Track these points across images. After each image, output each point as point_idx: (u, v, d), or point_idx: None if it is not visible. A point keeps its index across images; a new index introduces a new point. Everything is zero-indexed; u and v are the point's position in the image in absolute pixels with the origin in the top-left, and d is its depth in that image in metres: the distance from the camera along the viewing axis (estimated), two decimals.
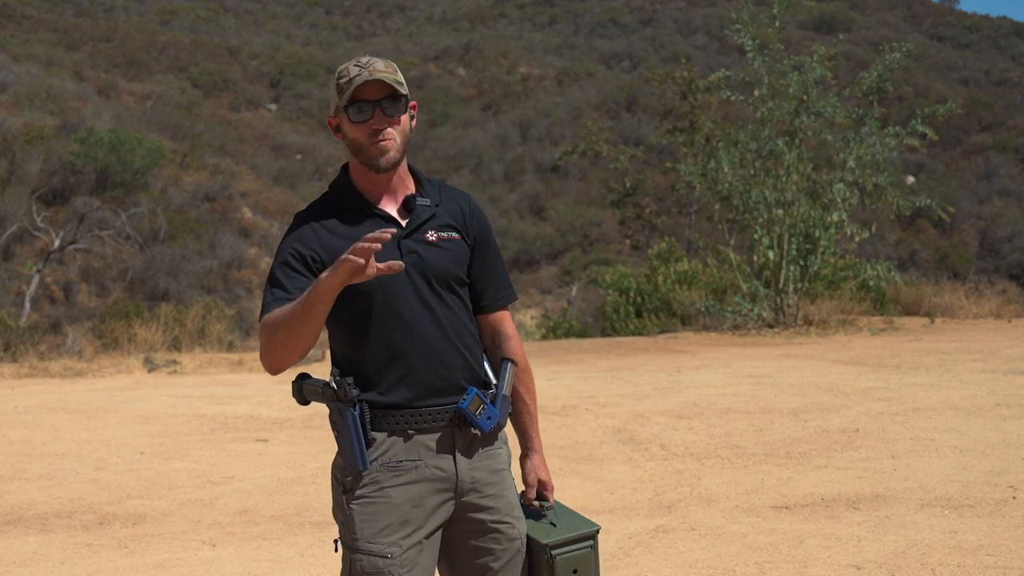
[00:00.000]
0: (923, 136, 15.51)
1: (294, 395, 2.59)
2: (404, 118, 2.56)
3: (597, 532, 2.66)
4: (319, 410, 9.04)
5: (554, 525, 2.66)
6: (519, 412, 2.75)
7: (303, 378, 2.57)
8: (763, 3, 17.23)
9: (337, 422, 2.52)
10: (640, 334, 16.78)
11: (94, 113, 34.27)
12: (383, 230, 2.28)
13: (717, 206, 16.90)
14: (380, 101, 2.52)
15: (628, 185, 27.45)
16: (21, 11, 54.19)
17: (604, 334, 18.02)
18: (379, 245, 2.26)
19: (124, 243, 28.35)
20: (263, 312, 2.48)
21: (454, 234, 2.61)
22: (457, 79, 53.91)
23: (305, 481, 6.61)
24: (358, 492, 2.53)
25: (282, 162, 41.26)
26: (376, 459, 2.52)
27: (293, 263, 2.51)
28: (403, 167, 2.62)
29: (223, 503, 6.22)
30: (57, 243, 26.26)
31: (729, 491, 6.00)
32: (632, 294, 18.29)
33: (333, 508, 2.61)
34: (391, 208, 2.60)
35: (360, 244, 2.25)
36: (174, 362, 13.61)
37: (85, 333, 19.22)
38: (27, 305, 24.59)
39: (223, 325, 17.73)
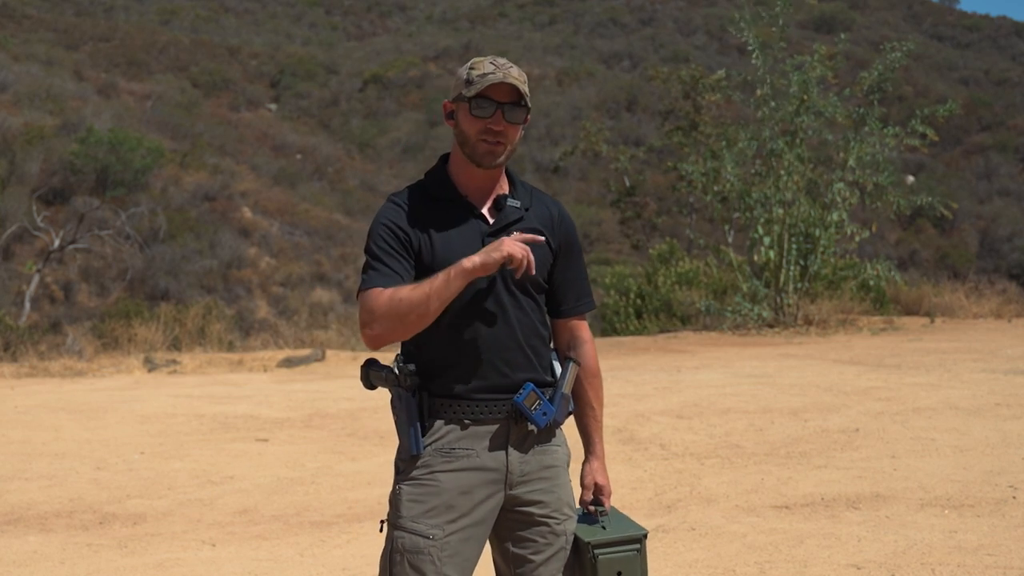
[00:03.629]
0: (923, 136, 15.51)
1: (362, 379, 2.69)
2: (519, 128, 2.64)
3: (645, 536, 2.69)
4: (319, 410, 9.05)
5: (604, 528, 2.70)
6: (584, 415, 2.80)
7: (370, 364, 2.67)
8: (764, 3, 17.24)
9: (396, 406, 2.62)
10: (640, 335, 16.78)
11: (94, 113, 34.25)
12: (535, 236, 2.54)
13: (719, 206, 16.90)
14: (504, 104, 2.60)
15: (628, 185, 27.43)
16: (21, 11, 54.16)
17: (604, 334, 18.02)
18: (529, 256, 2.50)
19: (124, 243, 28.33)
20: (367, 285, 2.57)
21: (539, 238, 2.66)
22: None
23: (305, 481, 6.61)
24: (409, 474, 2.60)
25: (282, 162, 41.22)
26: (430, 444, 2.59)
27: (391, 241, 2.60)
28: (501, 169, 2.69)
29: (223, 503, 6.22)
30: (57, 243, 26.26)
31: (729, 491, 6.00)
32: (632, 295, 18.29)
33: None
34: (483, 205, 2.67)
35: (520, 245, 2.49)
36: (174, 362, 13.61)
37: (85, 333, 19.22)
38: (27, 305, 24.58)
39: (223, 325, 17.75)
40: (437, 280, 2.49)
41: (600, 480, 2.77)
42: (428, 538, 2.55)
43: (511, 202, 2.67)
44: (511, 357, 2.62)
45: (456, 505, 2.57)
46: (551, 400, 2.64)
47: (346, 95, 51.94)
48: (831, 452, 6.76)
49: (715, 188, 16.42)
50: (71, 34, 52.43)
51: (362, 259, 2.68)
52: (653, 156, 33.11)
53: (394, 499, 2.62)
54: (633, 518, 5.54)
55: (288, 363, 13.54)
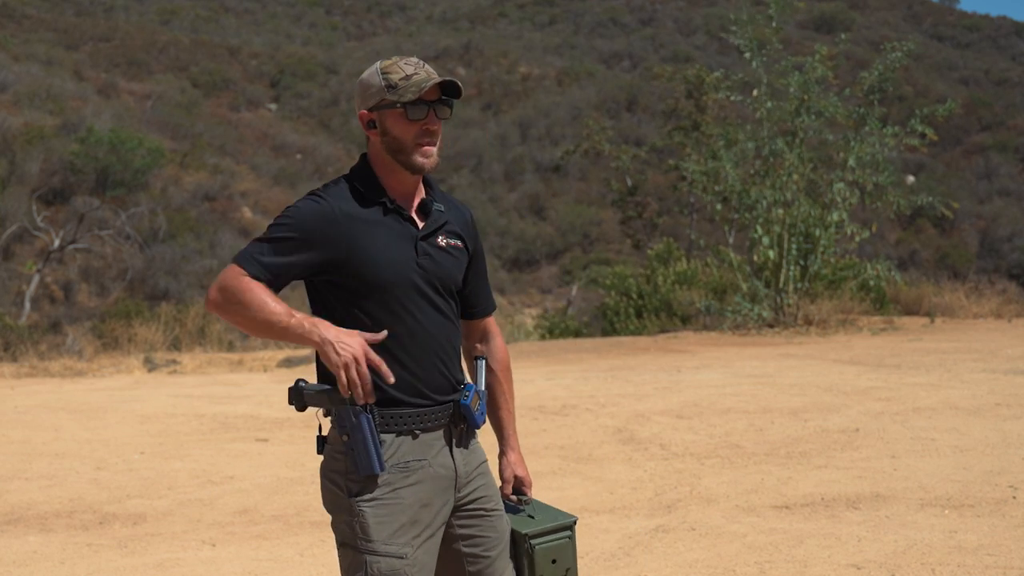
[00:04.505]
0: (923, 136, 15.51)
1: (292, 402, 2.56)
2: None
3: (575, 523, 2.75)
4: (319, 410, 9.03)
5: (532, 518, 2.74)
6: (499, 409, 2.82)
7: (301, 384, 2.55)
8: (762, 3, 17.24)
9: (348, 426, 2.49)
10: (640, 334, 16.78)
11: (94, 113, 34.27)
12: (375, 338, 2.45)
13: (719, 206, 16.90)
14: (433, 103, 2.56)
15: (630, 184, 27.44)
16: (21, 11, 54.17)
17: (604, 334, 18.01)
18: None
19: (124, 243, 28.34)
20: (242, 262, 2.48)
21: (459, 242, 2.68)
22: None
23: (305, 481, 6.61)
24: (370, 495, 2.51)
25: (282, 162, 41.24)
26: (387, 460, 2.52)
27: (297, 239, 2.50)
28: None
29: (223, 503, 6.22)
30: (57, 243, 26.27)
31: (729, 491, 6.00)
32: (632, 295, 18.29)
33: (334, 512, 2.56)
34: (410, 210, 2.64)
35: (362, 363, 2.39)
36: (174, 362, 13.61)
37: (85, 333, 19.24)
38: (27, 305, 24.58)
39: (223, 325, 17.73)
40: (283, 321, 2.42)
41: (520, 472, 2.79)
42: (403, 558, 2.49)
43: (436, 206, 2.65)
44: (449, 362, 2.62)
45: (420, 519, 2.53)
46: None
47: (346, 95, 51.88)
48: (831, 452, 6.76)
49: (715, 188, 16.43)
50: (71, 34, 52.43)
51: None
52: (654, 156, 33.12)
53: (357, 523, 2.50)
54: (633, 518, 5.55)
55: (288, 363, 13.55)
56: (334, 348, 2.39)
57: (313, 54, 56.23)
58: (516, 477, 2.80)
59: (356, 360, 2.39)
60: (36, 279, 25.82)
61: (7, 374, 12.68)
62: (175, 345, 15.69)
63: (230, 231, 31.13)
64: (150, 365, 13.38)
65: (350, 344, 2.39)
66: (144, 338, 15.44)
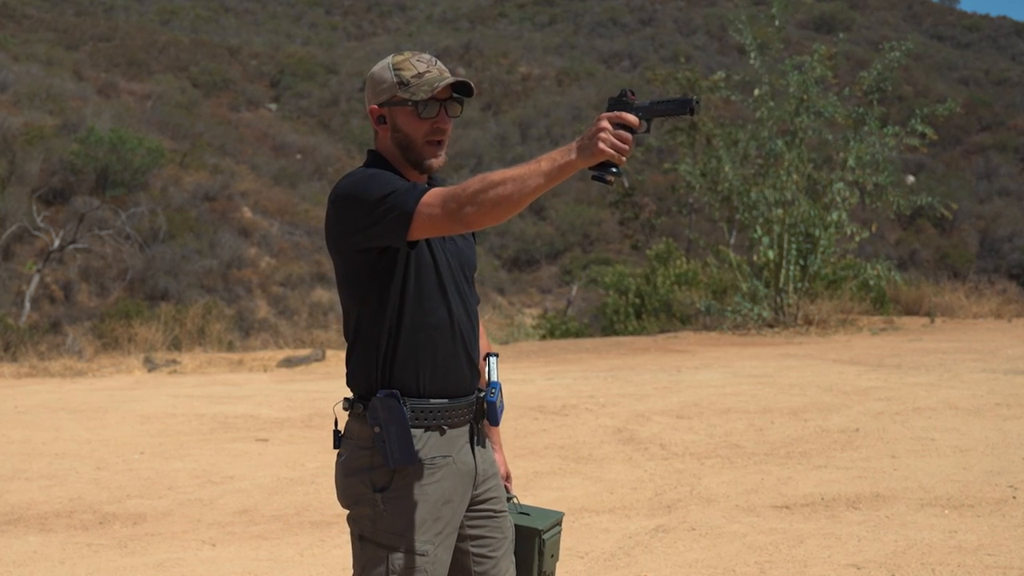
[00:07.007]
0: (922, 136, 15.51)
1: (371, 416, 2.49)
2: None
3: (563, 517, 2.89)
4: (319, 410, 9.04)
5: (527, 515, 2.79)
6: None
7: (366, 398, 2.52)
8: (763, 2, 17.24)
9: (381, 417, 2.46)
10: (640, 334, 16.78)
11: (94, 113, 34.23)
12: (628, 114, 2.27)
13: (717, 206, 16.90)
14: (444, 101, 2.53)
15: (628, 185, 27.44)
16: (21, 11, 54.15)
17: (604, 334, 18.01)
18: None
19: (124, 243, 28.32)
20: (416, 196, 2.37)
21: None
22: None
23: (305, 481, 6.61)
24: (395, 489, 2.49)
25: (282, 162, 41.20)
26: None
27: (397, 179, 2.45)
28: None
29: (223, 503, 6.22)
30: (57, 243, 26.25)
31: (729, 491, 6.00)
32: (632, 295, 18.28)
33: (353, 506, 2.54)
34: None
35: (621, 133, 2.24)
36: (174, 362, 13.61)
37: (85, 333, 19.25)
38: (27, 305, 24.57)
39: (223, 325, 17.77)
40: (540, 164, 2.26)
41: (507, 470, 2.84)
42: (424, 555, 2.48)
43: None
44: (475, 354, 2.60)
45: (441, 516, 2.51)
46: None
47: (346, 95, 51.90)
48: (831, 452, 6.76)
49: (716, 188, 16.44)
50: (71, 34, 52.40)
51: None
52: (653, 156, 33.12)
53: (379, 518, 2.49)
54: (633, 518, 5.55)
55: (288, 363, 13.55)
56: (596, 145, 2.25)
57: (313, 54, 56.21)
58: (506, 475, 2.83)
59: (609, 138, 2.26)
60: (36, 279, 25.81)
61: (7, 374, 12.68)
62: (175, 345, 15.70)
63: (230, 231, 31.10)
64: (150, 365, 13.38)
65: (600, 131, 2.26)
66: (144, 338, 15.45)
